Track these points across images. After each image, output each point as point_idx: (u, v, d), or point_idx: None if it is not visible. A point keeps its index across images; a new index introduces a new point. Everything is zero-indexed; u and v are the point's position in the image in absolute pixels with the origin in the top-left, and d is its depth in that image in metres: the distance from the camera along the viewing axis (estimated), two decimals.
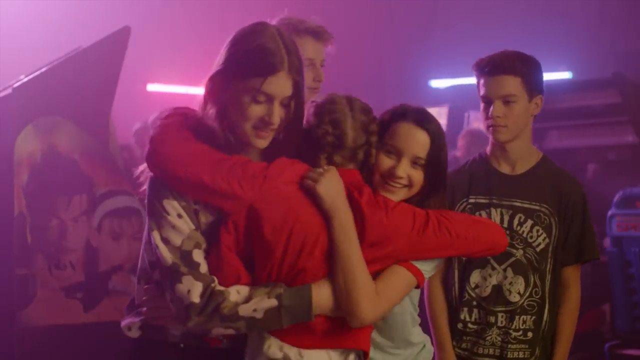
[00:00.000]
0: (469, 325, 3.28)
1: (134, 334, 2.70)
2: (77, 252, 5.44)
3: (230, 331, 2.51)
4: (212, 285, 2.50)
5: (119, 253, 5.53)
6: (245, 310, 2.48)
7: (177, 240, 2.50)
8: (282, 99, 2.50)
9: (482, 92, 3.24)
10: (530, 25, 9.24)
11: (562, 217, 3.25)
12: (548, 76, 9.33)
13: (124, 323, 2.73)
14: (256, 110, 2.48)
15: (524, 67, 3.21)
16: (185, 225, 2.51)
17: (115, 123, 5.77)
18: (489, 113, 3.21)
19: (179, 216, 2.51)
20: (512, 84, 3.19)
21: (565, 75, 8.94)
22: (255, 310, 2.48)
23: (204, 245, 2.53)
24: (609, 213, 5.74)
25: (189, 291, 2.48)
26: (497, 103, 3.19)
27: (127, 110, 6.87)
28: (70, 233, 5.41)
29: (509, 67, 3.18)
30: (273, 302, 2.48)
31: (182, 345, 2.65)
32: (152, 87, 9.80)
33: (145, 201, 2.57)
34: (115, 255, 5.53)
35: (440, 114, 8.81)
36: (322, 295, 2.50)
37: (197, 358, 2.66)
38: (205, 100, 2.58)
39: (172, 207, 2.51)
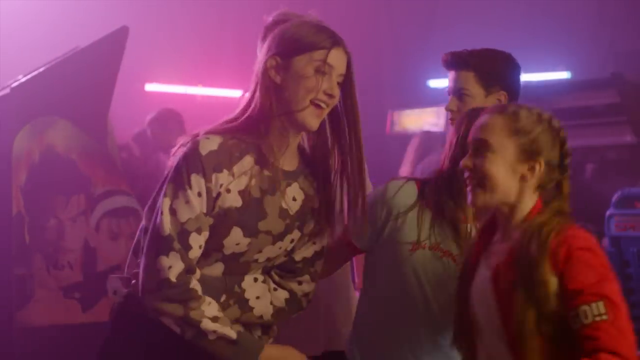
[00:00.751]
0: None
1: (117, 299, 2.70)
2: (75, 252, 5.44)
3: (177, 329, 2.51)
4: (191, 276, 2.50)
5: (117, 253, 5.52)
6: (206, 325, 2.49)
7: (184, 216, 2.49)
8: (337, 76, 2.57)
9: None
10: (529, 25, 9.23)
11: None
12: (547, 76, 9.31)
13: (111, 286, 2.73)
14: (319, 81, 2.53)
15: (478, 61, 3.23)
16: (199, 206, 2.49)
17: (114, 123, 5.76)
18: (447, 106, 3.28)
19: (199, 194, 2.49)
20: (463, 79, 3.24)
21: (564, 75, 8.93)
22: (214, 331, 2.50)
23: (205, 232, 2.51)
24: (608, 213, 5.73)
25: (170, 267, 2.47)
26: (451, 98, 3.26)
27: (125, 110, 6.86)
28: (68, 233, 5.41)
29: (461, 62, 3.24)
30: (232, 334, 2.51)
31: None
32: (150, 87, 9.78)
33: (173, 166, 2.55)
34: (113, 255, 5.53)
35: (438, 114, 8.80)
36: (271, 354, 2.58)
37: (173, 336, 2.59)
38: (255, 91, 2.61)
39: (198, 183, 2.49)
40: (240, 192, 2.54)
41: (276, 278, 2.72)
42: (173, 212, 2.49)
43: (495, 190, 2.49)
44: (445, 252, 2.84)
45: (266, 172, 2.58)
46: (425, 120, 8.66)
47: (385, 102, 9.41)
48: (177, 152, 2.58)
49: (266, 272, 2.72)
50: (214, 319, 2.50)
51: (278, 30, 2.62)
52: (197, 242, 2.50)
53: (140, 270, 2.53)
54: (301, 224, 2.68)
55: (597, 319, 2.32)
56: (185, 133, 6.56)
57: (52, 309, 5.35)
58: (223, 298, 2.59)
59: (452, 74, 3.27)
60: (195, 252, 2.51)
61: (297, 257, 2.73)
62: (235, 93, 10.07)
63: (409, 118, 9.02)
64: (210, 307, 2.51)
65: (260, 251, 2.62)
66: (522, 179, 2.49)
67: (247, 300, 2.63)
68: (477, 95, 3.23)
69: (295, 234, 2.67)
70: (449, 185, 2.83)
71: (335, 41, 2.58)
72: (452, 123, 3.25)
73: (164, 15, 9.60)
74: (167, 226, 2.48)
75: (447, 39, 9.71)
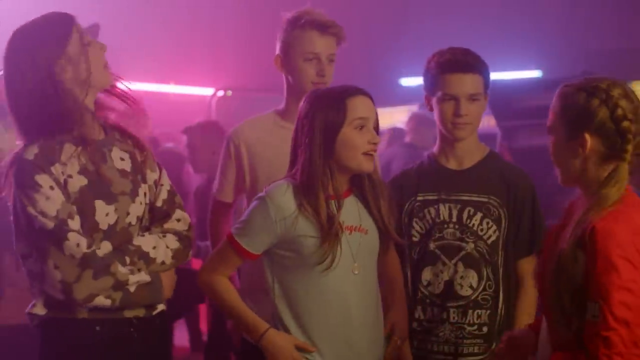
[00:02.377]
0: (424, 323, 3.27)
1: (40, 310, 2.77)
2: None
3: (107, 302, 2.67)
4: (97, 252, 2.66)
5: None
6: (131, 280, 2.70)
7: (52, 210, 2.63)
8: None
9: (445, 89, 3.22)
10: (501, 24, 9.27)
11: (512, 209, 3.25)
12: (518, 75, 9.34)
13: (29, 307, 2.83)
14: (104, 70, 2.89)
15: (483, 66, 3.24)
16: (58, 196, 2.64)
17: None
18: (456, 111, 3.20)
19: (52, 188, 2.64)
20: (478, 83, 3.21)
21: (535, 74, 8.98)
22: (137, 282, 2.71)
23: (76, 217, 2.67)
24: None
25: (78, 244, 2.62)
26: (464, 101, 3.20)
27: None
28: None
29: (475, 65, 3.20)
30: (147, 278, 2.75)
31: (97, 327, 2.73)
32: (120, 86, 9.73)
33: (13, 184, 2.68)
34: None
35: (410, 113, 8.81)
36: (165, 282, 2.82)
37: (109, 337, 2.76)
38: (42, 93, 2.74)
39: (44, 180, 2.64)
40: (80, 172, 2.72)
41: (157, 230, 2.90)
42: (42, 213, 2.62)
43: (561, 171, 2.57)
44: (351, 227, 2.87)
45: (88, 148, 2.76)
46: (397, 118, 8.67)
47: None
48: (7, 176, 2.71)
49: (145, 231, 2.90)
50: (132, 272, 2.71)
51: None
52: (75, 225, 2.65)
53: (52, 274, 2.64)
54: (142, 177, 2.89)
55: (592, 319, 2.35)
56: (150, 129, 6.56)
57: (22, 308, 5.31)
58: (128, 261, 2.74)
59: (466, 76, 3.21)
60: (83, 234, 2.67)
61: (158, 203, 2.93)
62: (208, 91, 10.07)
63: (380, 117, 9.00)
64: (122, 266, 2.70)
65: (128, 213, 2.80)
66: (579, 155, 2.51)
67: (147, 253, 2.79)
68: (483, 99, 3.26)
69: (144, 187, 2.89)
70: (305, 185, 2.83)
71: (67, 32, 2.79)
72: (460, 129, 3.23)
73: (136, 12, 9.56)
74: (48, 222, 2.62)
75: (418, 38, 9.76)
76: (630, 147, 2.48)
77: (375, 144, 2.83)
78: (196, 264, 6.10)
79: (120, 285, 2.68)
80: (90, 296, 2.64)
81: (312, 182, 2.80)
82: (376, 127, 2.89)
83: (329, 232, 2.78)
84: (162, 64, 9.65)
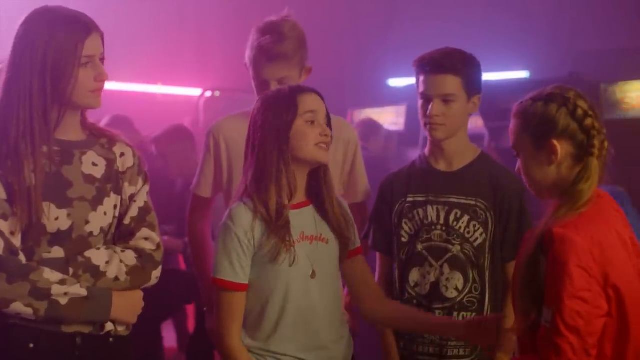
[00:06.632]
0: None
1: None
2: None
3: (28, 311, 2.51)
4: (18, 257, 2.52)
5: None
6: (56, 291, 2.52)
7: None
8: (100, 59, 2.74)
9: (421, 89, 3.25)
10: (488, 24, 9.28)
11: (499, 212, 3.25)
12: (505, 75, 9.35)
13: None
14: (88, 72, 2.69)
15: (464, 67, 3.23)
16: None
17: None
18: (428, 111, 3.22)
19: None
20: (452, 84, 3.20)
21: (522, 74, 8.99)
22: (66, 294, 2.53)
23: (11, 219, 2.53)
24: None
25: None
26: (436, 101, 3.20)
27: None
28: None
29: (450, 66, 3.20)
30: (82, 292, 2.57)
31: (31, 345, 2.59)
32: (109, 86, 9.71)
33: None
34: None
35: (398, 113, 8.82)
36: (119, 301, 2.63)
37: (44, 353, 2.62)
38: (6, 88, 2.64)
39: None
40: (34, 171, 2.57)
41: (120, 247, 2.74)
42: None
43: (536, 187, 2.60)
44: (311, 237, 2.86)
45: (55, 148, 2.65)
46: (385, 119, 8.68)
47: (345, 101, 9.43)
48: None
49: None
50: (62, 282, 2.55)
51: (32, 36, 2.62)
52: (5, 228, 2.54)
53: None
54: (115, 187, 2.75)
55: (546, 324, 2.39)
56: (138, 133, 6.50)
57: None
58: (71, 272, 2.60)
59: (438, 77, 3.21)
60: (6, 237, 2.54)
61: (126, 220, 2.77)
62: (195, 91, 10.06)
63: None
64: (53, 274, 2.55)
65: (87, 221, 2.66)
66: (552, 162, 2.54)
67: (97, 267, 2.64)
68: (461, 100, 3.23)
69: (114, 199, 2.74)
70: (257, 180, 2.83)
71: (88, 28, 2.68)
72: (433, 129, 3.23)
73: (123, 13, 9.54)
74: None
75: (406, 38, 9.78)
76: (596, 142, 2.53)
77: (326, 135, 2.84)
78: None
79: (41, 294, 2.51)
80: (3, 300, 2.50)
81: (264, 176, 2.80)
82: (328, 123, 2.88)
83: (277, 223, 2.77)
84: (149, 64, 9.63)
